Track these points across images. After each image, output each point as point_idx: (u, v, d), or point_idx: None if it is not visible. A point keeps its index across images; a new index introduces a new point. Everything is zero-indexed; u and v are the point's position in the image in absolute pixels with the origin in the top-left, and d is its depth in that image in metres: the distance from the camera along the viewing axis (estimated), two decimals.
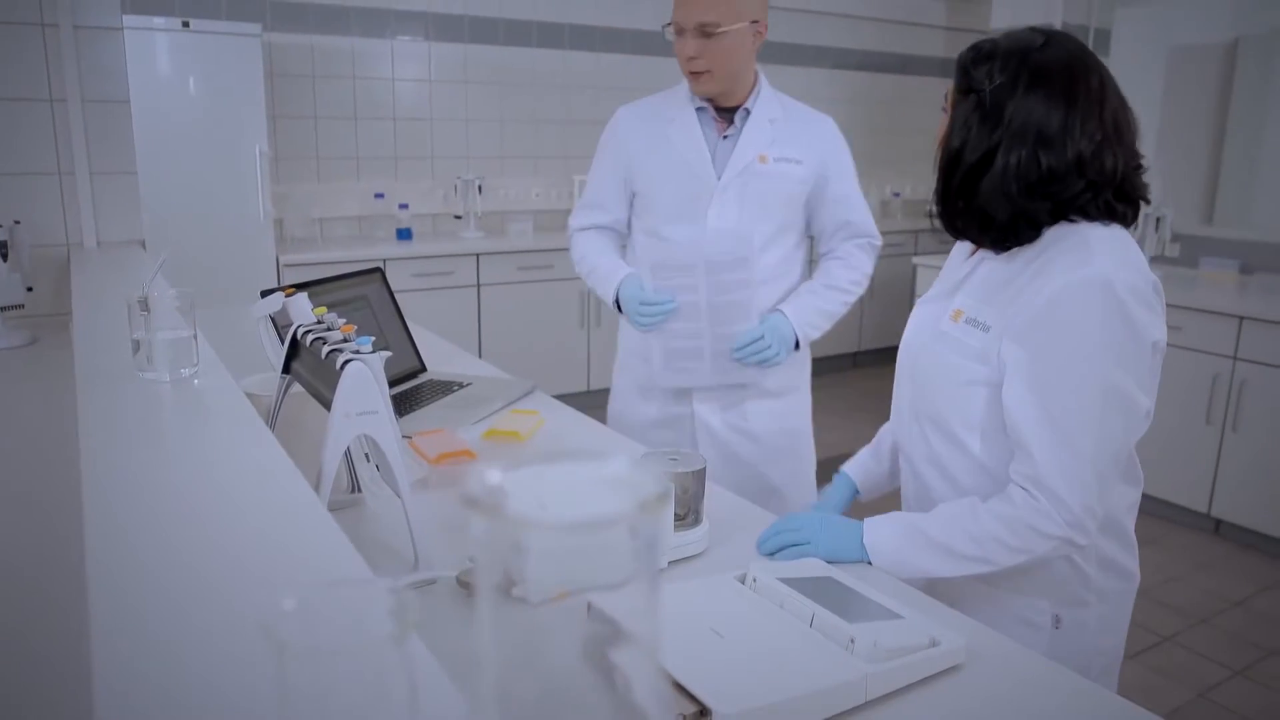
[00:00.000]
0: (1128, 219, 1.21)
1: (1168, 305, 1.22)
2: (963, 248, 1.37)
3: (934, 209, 1.27)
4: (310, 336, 1.22)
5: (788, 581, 1.08)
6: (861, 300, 2.17)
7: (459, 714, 0.47)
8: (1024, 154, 1.15)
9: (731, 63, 1.81)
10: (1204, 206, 5.85)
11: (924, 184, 6.60)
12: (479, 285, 4.58)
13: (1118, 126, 1.18)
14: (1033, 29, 1.21)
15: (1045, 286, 1.15)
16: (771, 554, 1.24)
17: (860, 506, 1.50)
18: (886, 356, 5.89)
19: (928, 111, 6.75)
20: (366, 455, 1.31)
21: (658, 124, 1.94)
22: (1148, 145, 1.27)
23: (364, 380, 1.06)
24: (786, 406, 2.01)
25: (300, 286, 1.57)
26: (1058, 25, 4.78)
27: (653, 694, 0.31)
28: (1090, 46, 1.21)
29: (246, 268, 3.99)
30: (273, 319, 1.65)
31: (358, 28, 4.65)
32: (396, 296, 2.09)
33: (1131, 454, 1.25)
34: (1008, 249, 1.23)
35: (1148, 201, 1.24)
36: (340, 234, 4.77)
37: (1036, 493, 1.14)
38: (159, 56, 3.77)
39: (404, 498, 1.11)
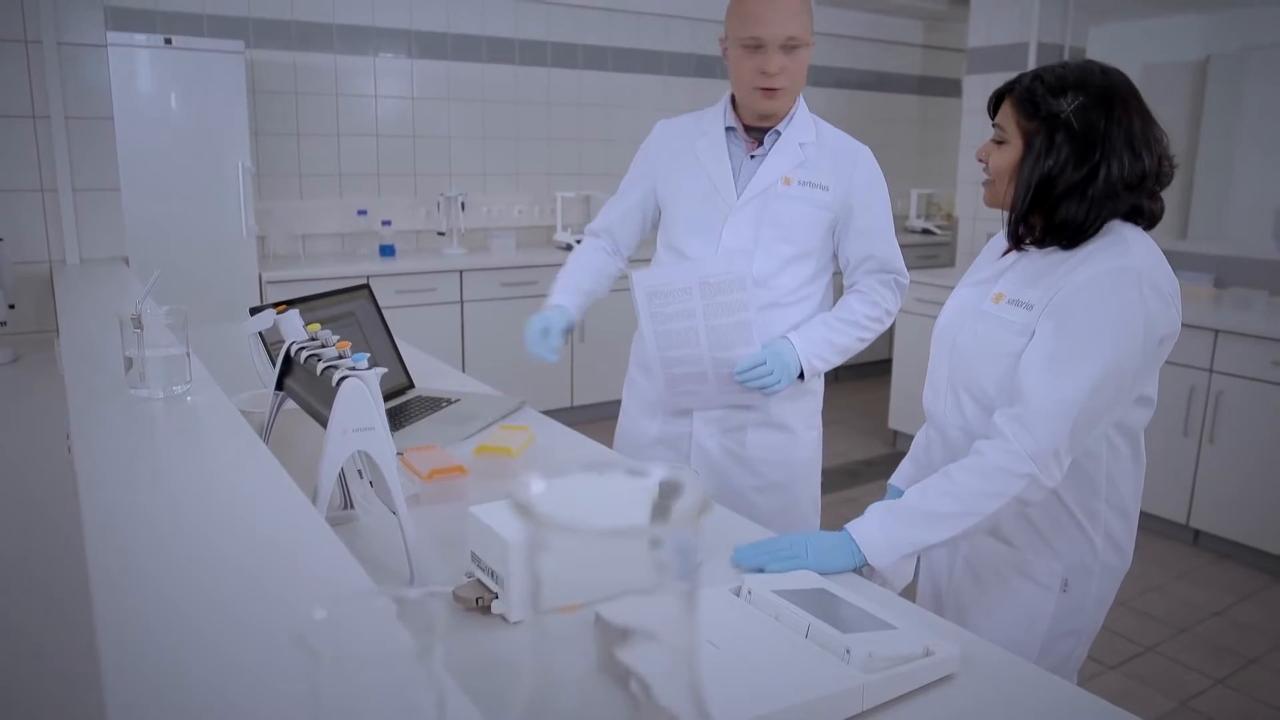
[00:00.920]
0: (1160, 217, 1.36)
1: None
2: (993, 247, 1.50)
3: (1012, 225, 1.38)
4: (304, 353, 1.22)
5: (782, 593, 1.09)
6: None
7: None
8: (1127, 157, 1.29)
9: (803, 79, 1.81)
10: (1178, 222, 5.95)
11: (902, 199, 6.68)
12: (462, 301, 4.58)
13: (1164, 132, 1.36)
14: (1071, 63, 1.35)
15: (1087, 270, 1.29)
16: (759, 570, 1.25)
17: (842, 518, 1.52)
18: (867, 371, 5.96)
19: (905, 128, 6.83)
20: (360, 472, 1.31)
21: (689, 139, 1.92)
22: None
23: (361, 397, 1.07)
24: (789, 440, 1.94)
25: (288, 303, 1.57)
26: (1034, 44, 4.87)
27: (691, 705, 0.32)
28: (1101, 65, 1.37)
29: (229, 285, 3.97)
30: (261, 336, 1.66)
31: (340, 45, 4.66)
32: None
33: (1139, 436, 1.40)
34: (1071, 247, 1.34)
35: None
36: (323, 250, 4.76)
37: (1009, 432, 1.26)
38: (142, 74, 3.76)
39: (400, 513, 1.11)
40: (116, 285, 2.26)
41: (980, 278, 1.47)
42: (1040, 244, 1.36)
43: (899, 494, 1.59)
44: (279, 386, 1.31)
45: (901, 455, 1.69)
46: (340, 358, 1.16)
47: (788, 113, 1.85)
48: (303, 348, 1.24)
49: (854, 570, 1.28)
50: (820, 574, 1.23)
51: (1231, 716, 2.56)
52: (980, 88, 4.65)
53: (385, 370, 1.19)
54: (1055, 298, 1.30)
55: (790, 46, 1.75)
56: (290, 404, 1.37)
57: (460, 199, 4.85)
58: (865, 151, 1.90)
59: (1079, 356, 1.26)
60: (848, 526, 1.30)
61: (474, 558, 1.14)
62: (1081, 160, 1.29)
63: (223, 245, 4.00)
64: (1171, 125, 1.37)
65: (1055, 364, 1.27)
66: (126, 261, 2.65)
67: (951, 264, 5.63)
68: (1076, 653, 1.45)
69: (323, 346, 1.23)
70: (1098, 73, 1.32)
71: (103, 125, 2.59)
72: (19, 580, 1.25)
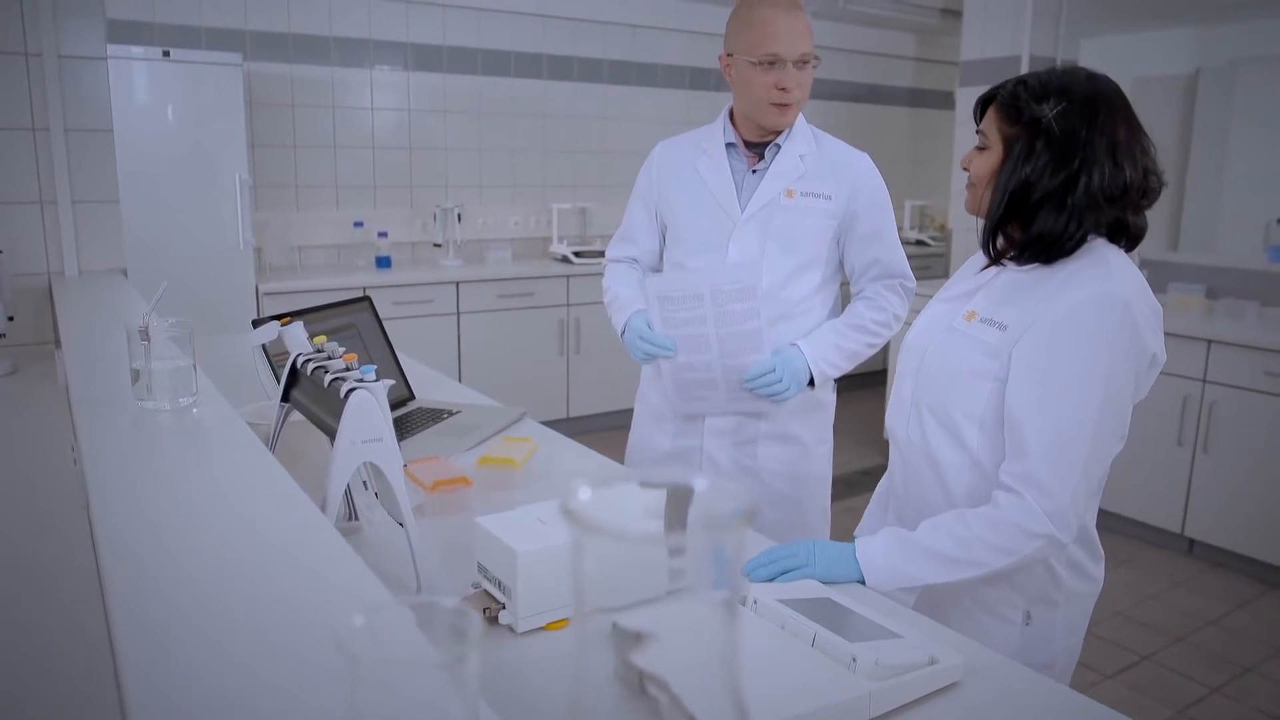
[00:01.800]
0: (1144, 233, 1.32)
1: None
2: (973, 263, 1.45)
3: (986, 235, 1.33)
4: (311, 365, 1.23)
5: (788, 603, 1.10)
6: None
7: None
8: (1108, 167, 1.24)
9: (809, 92, 1.83)
10: (1169, 233, 6.00)
11: (895, 211, 6.70)
12: (459, 313, 4.59)
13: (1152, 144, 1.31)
14: (1058, 69, 1.32)
15: (1070, 296, 1.24)
16: (770, 579, 1.26)
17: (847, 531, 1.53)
18: (864, 382, 5.97)
19: (898, 140, 6.87)
20: (365, 483, 1.31)
21: (689, 157, 1.93)
22: None
23: (369, 408, 1.08)
24: (800, 454, 1.95)
25: (291, 315, 1.58)
26: (1026, 57, 4.91)
27: (733, 712, 0.33)
28: (1088, 71, 1.32)
29: (226, 296, 3.98)
30: (264, 347, 1.66)
31: (337, 57, 4.68)
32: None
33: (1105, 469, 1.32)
34: (1050, 262, 1.29)
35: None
36: (319, 262, 4.77)
37: (1024, 490, 1.21)
38: (139, 86, 3.77)
39: (408, 523, 1.12)
40: (116, 297, 2.26)
41: (954, 294, 1.43)
42: (1019, 259, 1.31)
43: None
44: (285, 398, 1.32)
45: None
46: (347, 370, 1.17)
47: (774, 140, 1.87)
48: (309, 360, 1.25)
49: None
50: (824, 583, 1.24)
51: None
52: (972, 100, 4.67)
53: (393, 382, 1.19)
54: (1035, 327, 1.25)
55: (803, 62, 1.78)
56: (294, 416, 1.38)
57: (456, 211, 4.87)
58: (865, 159, 1.92)
59: (1073, 398, 1.21)
60: (856, 544, 1.29)
61: (481, 568, 1.14)
62: (1060, 167, 1.24)
63: (219, 257, 4.00)
64: (1162, 137, 1.32)
65: (1049, 408, 1.22)
66: (125, 273, 2.66)
67: (945, 275, 5.66)
68: None
69: (329, 358, 1.24)
70: (1084, 79, 1.28)
71: (102, 137, 2.60)
72: (25, 590, 1.25)
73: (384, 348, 2.06)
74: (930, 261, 6.36)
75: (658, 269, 2.05)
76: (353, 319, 2.02)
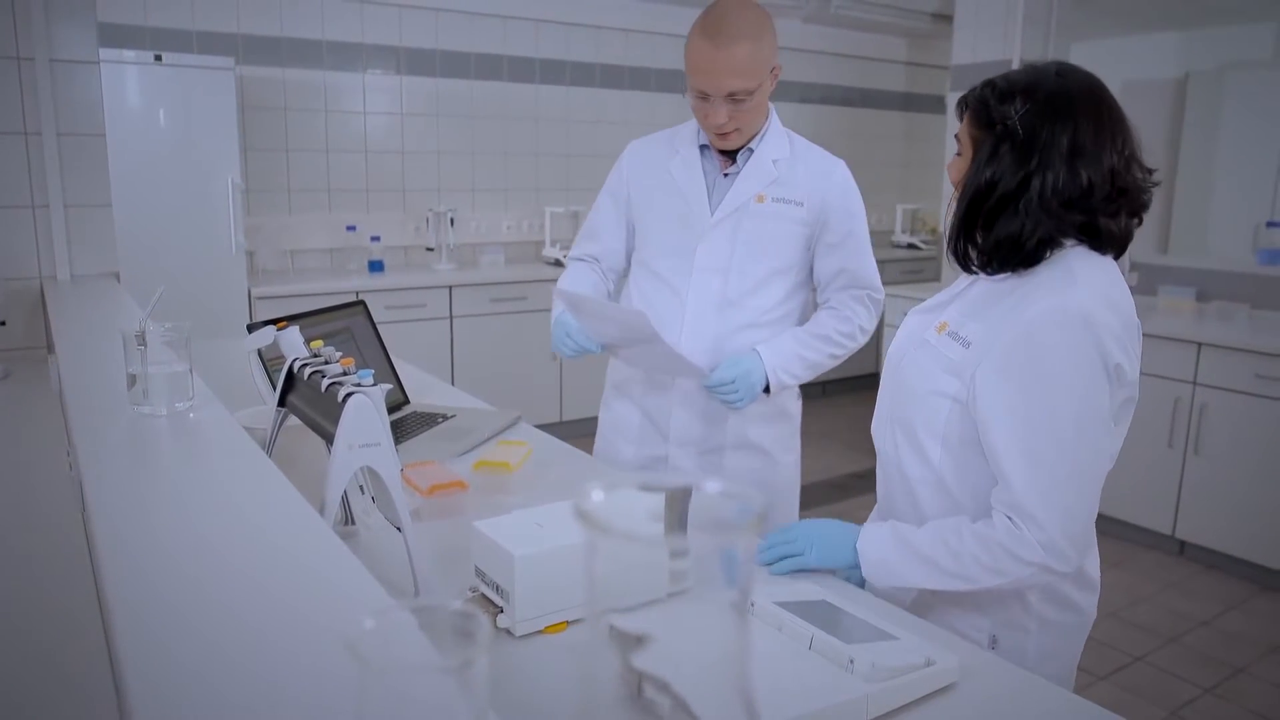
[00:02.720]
0: (1129, 238, 1.25)
1: None
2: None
3: (952, 243, 1.29)
4: (308, 370, 1.23)
5: (785, 605, 1.10)
6: None
7: None
8: (1063, 171, 1.18)
9: (758, 118, 1.79)
10: (1159, 236, 6.03)
11: (887, 214, 6.74)
12: (451, 317, 4.59)
13: (1137, 143, 1.24)
14: (1029, 67, 1.27)
15: (1026, 311, 1.19)
16: (769, 564, 1.27)
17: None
18: (857, 385, 5.99)
19: (890, 144, 6.90)
20: (361, 488, 1.31)
21: (662, 158, 1.90)
22: None
23: (367, 413, 1.08)
24: (767, 464, 1.92)
25: (286, 319, 1.58)
26: (1016, 60, 4.94)
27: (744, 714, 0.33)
28: (1064, 65, 1.27)
29: (218, 300, 3.97)
30: (259, 352, 1.66)
31: (330, 61, 4.67)
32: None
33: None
34: (1015, 270, 1.25)
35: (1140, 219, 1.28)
36: (312, 266, 4.76)
37: (1017, 520, 1.16)
38: (132, 90, 3.76)
39: (405, 528, 1.12)
40: (110, 302, 2.25)
41: (936, 301, 1.40)
42: (986, 267, 1.26)
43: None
44: (281, 403, 1.32)
45: None
46: (345, 374, 1.17)
47: (746, 144, 1.82)
48: (306, 364, 1.25)
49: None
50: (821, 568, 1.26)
51: None
52: None
53: (390, 386, 1.20)
54: (994, 349, 1.20)
55: (737, 99, 1.70)
56: (290, 420, 1.38)
57: (449, 214, 4.87)
58: (840, 165, 1.87)
59: (1046, 424, 1.16)
60: (860, 534, 1.28)
61: (478, 572, 1.15)
62: (1019, 169, 1.20)
63: (211, 261, 3.99)
64: (1152, 141, 1.24)
65: (1024, 438, 1.17)
66: (117, 278, 2.65)
67: (937, 279, 5.68)
68: None
69: (326, 363, 1.24)
70: (1052, 75, 1.22)
71: (94, 142, 2.59)
72: (19, 595, 1.24)
73: (379, 352, 2.06)
74: (921, 265, 6.39)
75: (621, 269, 2.02)
76: (347, 323, 2.02)
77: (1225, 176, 5.82)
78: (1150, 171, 1.25)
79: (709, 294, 1.84)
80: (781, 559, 1.28)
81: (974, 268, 1.28)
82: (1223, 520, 3.50)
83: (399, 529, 1.16)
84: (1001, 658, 1.16)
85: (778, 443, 1.94)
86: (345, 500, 1.35)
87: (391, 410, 2.00)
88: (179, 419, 1.21)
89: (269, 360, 1.69)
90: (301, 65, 4.60)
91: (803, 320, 1.91)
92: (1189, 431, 3.55)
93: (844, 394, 6.03)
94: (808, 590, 1.20)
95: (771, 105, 1.85)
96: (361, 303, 2.10)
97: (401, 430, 1.87)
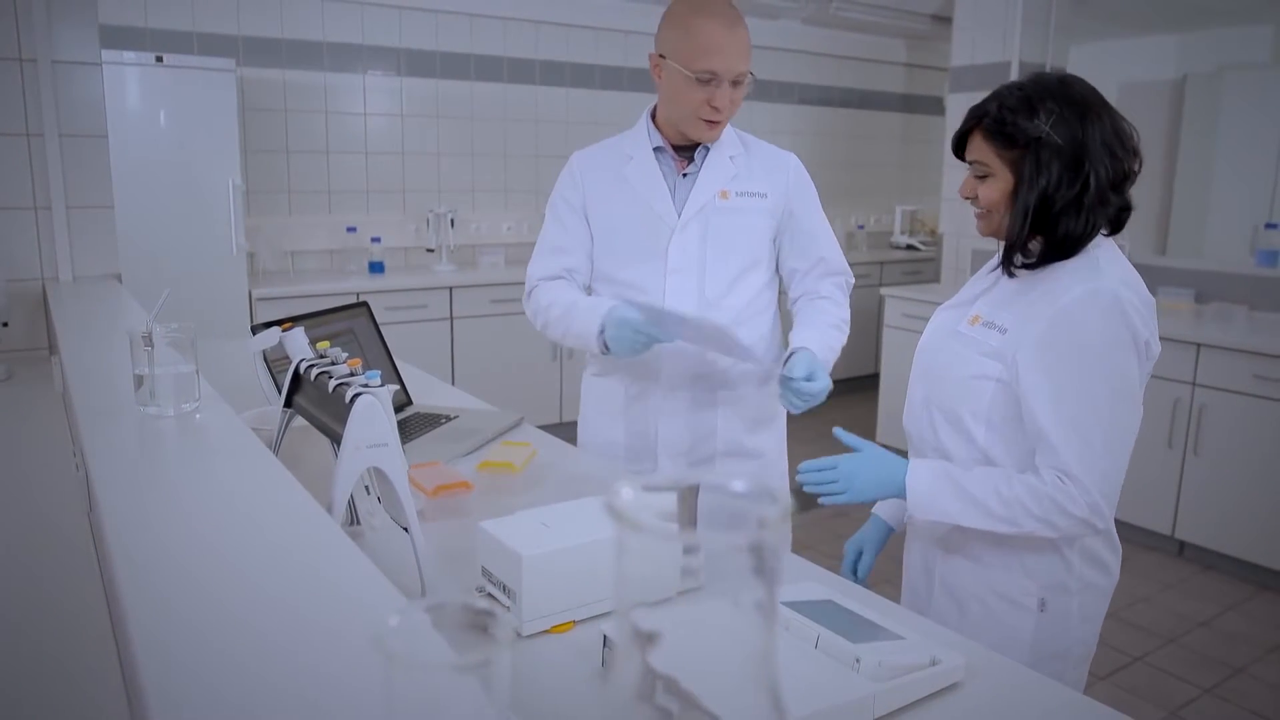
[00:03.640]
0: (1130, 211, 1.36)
1: None
2: (984, 270, 1.50)
3: (1011, 255, 1.36)
4: (315, 370, 1.23)
5: (790, 605, 1.11)
6: None
7: None
8: (1109, 161, 1.29)
9: (739, 107, 1.78)
10: (1158, 238, 6.04)
11: (886, 215, 6.75)
12: (452, 318, 4.59)
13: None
14: (1026, 82, 1.34)
15: (1060, 297, 1.30)
16: (803, 487, 1.40)
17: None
18: (857, 385, 5.99)
19: (889, 145, 6.91)
20: (367, 488, 1.32)
21: (614, 165, 1.86)
22: None
23: (375, 413, 1.08)
24: (761, 468, 1.91)
25: (288, 321, 1.59)
26: (1015, 63, 4.95)
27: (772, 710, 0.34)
28: (1054, 73, 1.37)
29: (219, 302, 3.97)
30: (263, 353, 1.66)
31: (330, 63, 4.68)
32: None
33: None
34: (1063, 260, 1.34)
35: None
36: (312, 267, 4.77)
37: (1064, 479, 1.28)
38: (132, 92, 3.77)
39: (413, 528, 1.12)
40: (112, 303, 2.26)
41: (961, 299, 1.49)
42: (1038, 265, 1.35)
43: (882, 524, 1.64)
44: (288, 403, 1.32)
45: None
46: (352, 375, 1.18)
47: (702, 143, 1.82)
48: (312, 365, 1.25)
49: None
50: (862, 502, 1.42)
51: None
52: (963, 106, 4.69)
53: (396, 387, 1.20)
54: (1033, 330, 1.30)
55: (738, 81, 1.71)
56: (294, 421, 1.38)
57: (449, 216, 4.87)
58: (793, 158, 1.90)
59: (1083, 394, 1.27)
60: (908, 469, 1.37)
61: (485, 572, 1.15)
62: (1074, 174, 1.28)
63: (212, 262, 4.00)
64: (1150, 143, 1.36)
65: (1065, 408, 1.27)
66: (119, 279, 2.65)
67: (936, 279, 5.68)
68: (1069, 676, 1.41)
69: (332, 364, 1.24)
70: (1056, 84, 1.31)
71: (96, 143, 2.59)
72: (25, 595, 1.24)
73: (381, 353, 2.06)
74: (921, 266, 6.39)
75: (587, 284, 1.92)
76: (350, 324, 2.02)
77: (1223, 178, 5.84)
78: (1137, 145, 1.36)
79: (686, 295, 1.80)
80: (821, 493, 1.39)
81: (1018, 269, 1.37)
82: (1222, 521, 3.51)
83: (405, 529, 1.16)
84: (1050, 620, 1.36)
85: (772, 447, 1.94)
86: (350, 500, 1.36)
87: (395, 411, 2.00)
88: (186, 420, 1.22)
89: (272, 361, 1.69)
90: (302, 67, 4.60)
91: (776, 314, 1.91)
92: (1188, 432, 3.56)
93: (841, 394, 6.03)
94: (813, 590, 1.20)
95: None
96: (364, 304, 2.11)
97: (405, 431, 1.87)
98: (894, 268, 6.14)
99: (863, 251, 6.18)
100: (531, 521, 1.16)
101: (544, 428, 2.02)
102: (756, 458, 1.91)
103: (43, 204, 2.53)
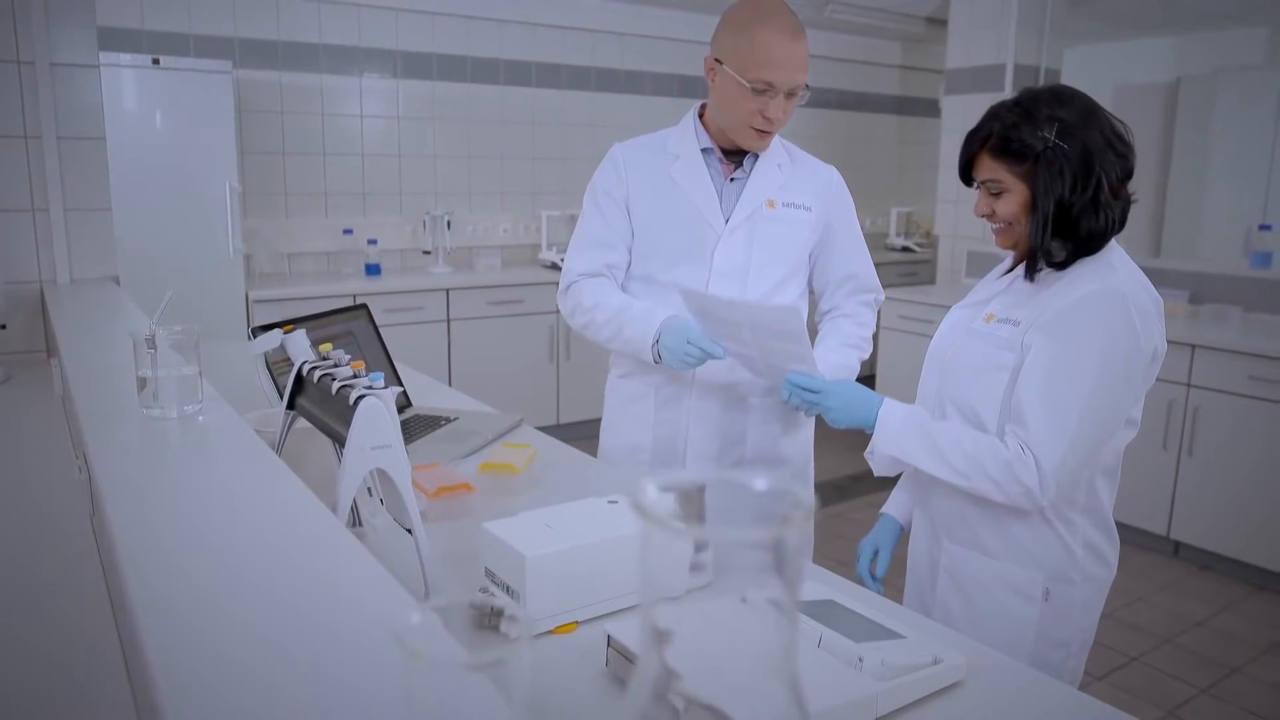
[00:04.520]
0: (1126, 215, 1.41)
1: None
2: (997, 270, 1.55)
3: (1035, 261, 1.40)
4: (317, 373, 1.24)
5: None
6: None
7: None
8: (1113, 157, 1.35)
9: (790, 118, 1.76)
10: (1152, 239, 6.07)
11: (882, 217, 6.77)
12: (449, 320, 4.59)
13: None
14: (1021, 98, 1.38)
15: (1075, 292, 1.35)
16: (787, 399, 1.52)
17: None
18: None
19: (885, 147, 6.93)
20: (370, 489, 1.32)
21: (660, 162, 1.83)
22: None
23: (379, 415, 1.09)
24: (789, 475, 1.91)
25: (288, 323, 1.59)
26: (1010, 65, 4.95)
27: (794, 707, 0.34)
28: (1040, 85, 1.42)
29: (216, 304, 3.97)
30: (264, 355, 1.66)
31: (326, 65, 4.68)
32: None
33: (1118, 455, 1.45)
34: (1085, 258, 1.39)
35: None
36: (309, 269, 4.76)
37: (1025, 449, 1.34)
38: (129, 94, 3.76)
39: (416, 529, 1.13)
40: (111, 305, 2.26)
41: (974, 300, 1.54)
42: (1065, 265, 1.39)
43: (894, 522, 1.67)
44: (290, 405, 1.33)
45: None
46: (355, 377, 1.18)
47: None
48: (315, 367, 1.25)
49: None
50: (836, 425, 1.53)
51: None
52: (958, 108, 4.74)
53: (401, 389, 1.20)
54: (1043, 317, 1.36)
55: (792, 94, 1.71)
56: (297, 423, 1.39)
57: (446, 218, 4.88)
58: (834, 171, 1.92)
59: (1069, 379, 1.32)
60: (884, 405, 1.48)
61: (488, 573, 1.15)
62: (1086, 177, 1.33)
63: (209, 264, 4.00)
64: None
65: (1048, 387, 1.33)
66: (117, 281, 2.65)
67: (932, 281, 5.70)
68: (1069, 664, 1.46)
69: (335, 366, 1.25)
70: (1049, 94, 1.36)
71: (94, 145, 2.59)
72: (27, 598, 1.25)
73: (381, 355, 2.07)
74: (916, 268, 6.41)
75: (622, 280, 1.90)
76: (349, 326, 2.02)
77: (1217, 180, 5.86)
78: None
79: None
80: (804, 404, 1.53)
81: (1040, 271, 1.41)
82: (1217, 521, 3.53)
83: (408, 530, 1.16)
84: (1053, 609, 1.42)
85: (799, 452, 1.94)
86: (354, 501, 1.36)
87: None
88: (189, 422, 1.22)
89: (272, 363, 1.69)
90: (298, 69, 4.60)
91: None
92: (1183, 433, 3.57)
93: None
94: (814, 590, 1.21)
95: None
96: (364, 306, 2.11)
97: (405, 433, 1.86)
98: (890, 269, 6.16)
99: None
100: (534, 522, 1.16)
101: (541, 429, 2.03)
102: (784, 465, 1.91)
103: (40, 206, 2.53)
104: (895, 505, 1.69)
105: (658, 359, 1.73)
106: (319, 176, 4.75)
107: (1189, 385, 3.55)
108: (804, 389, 1.54)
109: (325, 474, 1.35)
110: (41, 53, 2.47)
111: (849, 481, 4.41)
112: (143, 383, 1.23)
